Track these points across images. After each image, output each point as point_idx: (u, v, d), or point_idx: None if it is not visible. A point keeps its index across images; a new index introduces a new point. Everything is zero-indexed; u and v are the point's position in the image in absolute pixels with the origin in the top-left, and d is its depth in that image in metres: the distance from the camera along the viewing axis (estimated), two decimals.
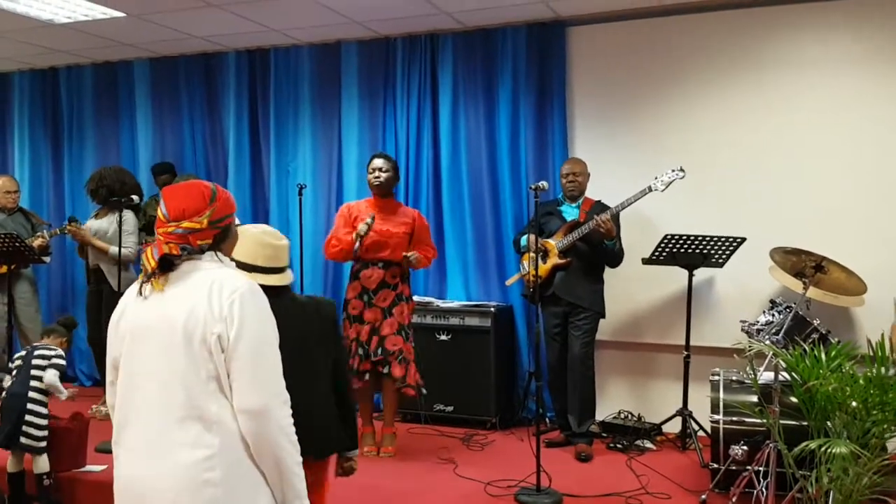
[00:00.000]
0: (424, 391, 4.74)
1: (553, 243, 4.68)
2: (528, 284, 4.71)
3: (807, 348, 2.96)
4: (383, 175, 4.59)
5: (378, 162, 4.63)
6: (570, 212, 4.79)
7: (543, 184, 4.04)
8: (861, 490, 2.68)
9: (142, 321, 1.96)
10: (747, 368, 3.83)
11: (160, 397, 1.90)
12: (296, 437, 1.95)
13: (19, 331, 5.76)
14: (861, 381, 2.63)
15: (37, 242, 5.44)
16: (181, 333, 1.89)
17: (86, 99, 6.67)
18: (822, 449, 2.59)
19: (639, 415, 5.11)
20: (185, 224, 1.98)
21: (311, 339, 2.57)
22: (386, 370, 4.51)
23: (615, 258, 4.68)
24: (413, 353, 4.63)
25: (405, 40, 5.67)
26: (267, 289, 2.12)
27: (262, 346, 1.94)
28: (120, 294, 2.71)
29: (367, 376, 4.56)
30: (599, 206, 4.72)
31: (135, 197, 5.12)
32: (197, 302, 1.91)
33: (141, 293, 1.99)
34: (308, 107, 5.98)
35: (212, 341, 1.88)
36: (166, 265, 1.96)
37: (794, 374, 2.85)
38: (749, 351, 3.11)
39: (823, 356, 2.85)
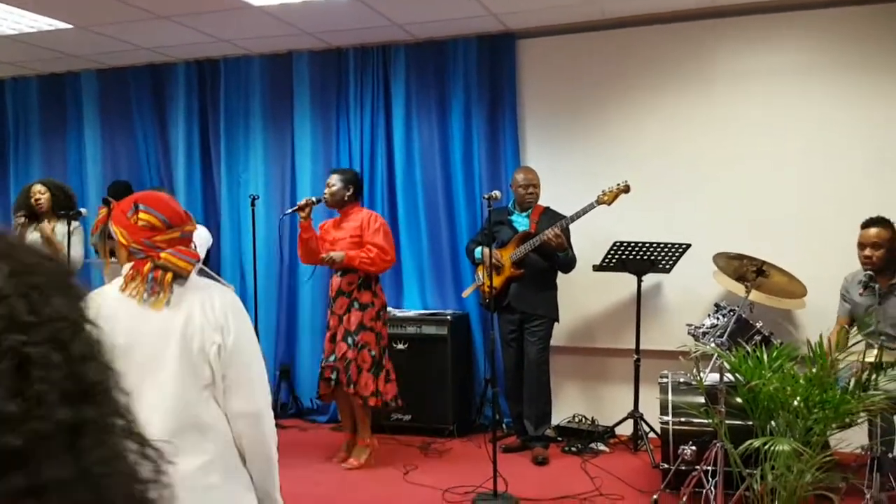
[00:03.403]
0: (391, 403, 4.70)
1: (507, 255, 4.75)
2: (484, 295, 4.78)
3: (749, 350, 3.07)
4: (328, 190, 4.71)
5: (329, 178, 4.78)
6: (521, 221, 4.87)
7: (496, 193, 4.12)
8: (804, 486, 2.79)
9: (129, 335, 1.94)
10: (693, 370, 3.96)
11: (155, 408, 1.91)
12: None
13: None
14: (802, 381, 2.75)
15: None
16: (178, 344, 1.93)
17: (31, 111, 6.55)
18: (766, 447, 2.70)
19: (592, 418, 5.22)
20: (187, 227, 2.06)
21: None
22: (334, 376, 4.55)
23: (568, 265, 4.78)
24: (370, 363, 4.55)
25: (357, 51, 5.71)
26: None
27: (256, 354, 2.05)
28: None
29: (332, 383, 4.60)
30: (549, 214, 4.81)
31: (83, 209, 5.03)
32: (191, 313, 1.96)
33: (122, 306, 1.96)
34: (259, 117, 5.97)
35: (212, 351, 1.94)
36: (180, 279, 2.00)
37: (737, 374, 2.96)
38: (694, 353, 3.22)
39: (766, 357, 2.96)
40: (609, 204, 4.59)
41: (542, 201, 4.91)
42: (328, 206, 4.77)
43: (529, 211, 4.86)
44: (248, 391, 1.99)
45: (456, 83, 5.50)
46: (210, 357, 1.95)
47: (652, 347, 4.95)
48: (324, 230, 4.79)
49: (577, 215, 4.60)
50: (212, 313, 1.97)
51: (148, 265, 1.96)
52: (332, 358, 4.58)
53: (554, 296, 4.86)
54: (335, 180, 4.72)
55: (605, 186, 4.64)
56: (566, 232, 4.69)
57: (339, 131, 5.79)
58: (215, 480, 1.95)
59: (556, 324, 4.89)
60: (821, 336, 2.79)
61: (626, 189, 4.59)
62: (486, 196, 4.08)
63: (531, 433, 4.76)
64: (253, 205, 4.50)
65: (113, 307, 1.97)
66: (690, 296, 5.00)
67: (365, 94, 5.69)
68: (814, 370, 2.72)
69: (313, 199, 4.65)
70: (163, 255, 1.97)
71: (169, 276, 1.97)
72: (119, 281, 2.01)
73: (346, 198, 4.70)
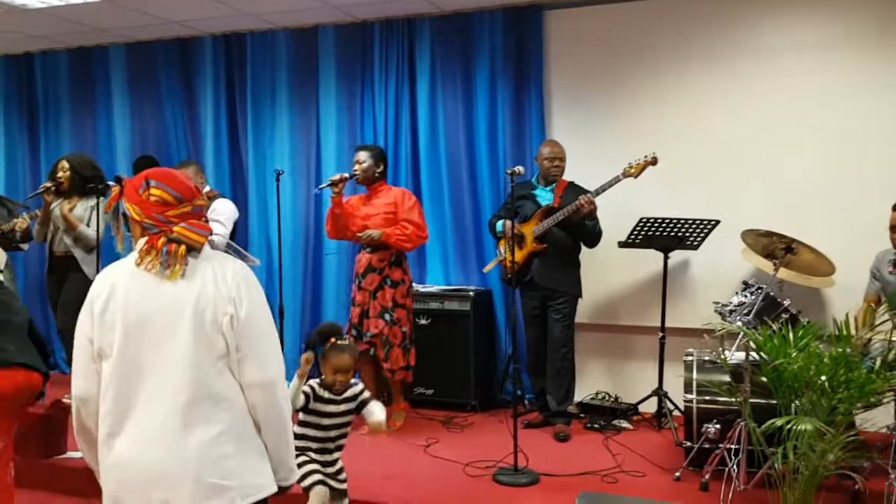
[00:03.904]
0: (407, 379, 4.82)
1: (529, 229, 4.71)
2: (505, 270, 4.76)
3: (774, 328, 3.02)
4: (359, 167, 4.74)
5: (357, 155, 4.81)
6: (545, 196, 4.80)
7: (520, 168, 4.08)
8: (827, 466, 2.75)
9: (143, 308, 1.98)
10: (718, 348, 3.91)
11: (169, 380, 1.96)
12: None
13: None
14: (826, 360, 2.69)
15: (18, 224, 5.39)
16: (190, 316, 1.96)
17: (61, 85, 6.61)
18: (788, 426, 2.66)
19: (615, 395, 5.19)
20: (198, 202, 2.09)
21: None
22: (372, 352, 4.66)
23: (595, 238, 4.71)
24: (402, 338, 4.72)
25: (382, 25, 5.66)
26: None
27: (269, 324, 2.08)
28: None
29: (363, 357, 4.66)
30: (573, 189, 4.73)
31: (111, 183, 5.07)
32: (203, 285, 1.98)
33: (135, 280, 1.99)
34: (285, 92, 5.97)
35: (224, 322, 1.97)
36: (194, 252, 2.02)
37: (762, 353, 2.92)
38: (718, 331, 3.17)
39: (791, 335, 2.91)
40: (636, 177, 4.50)
41: (567, 176, 4.85)
42: (359, 182, 4.79)
43: (554, 185, 4.79)
44: (261, 361, 2.02)
45: (481, 56, 5.44)
46: (223, 328, 1.97)
47: (678, 325, 4.89)
48: (351, 206, 4.79)
49: (603, 188, 4.52)
50: (224, 285, 1.99)
51: (162, 239, 1.99)
52: (368, 334, 4.66)
53: (576, 273, 4.80)
54: (365, 157, 4.74)
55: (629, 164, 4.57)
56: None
57: (364, 105, 5.77)
58: (229, 450, 1.98)
59: (579, 300, 4.84)
60: (846, 315, 2.73)
61: (654, 161, 4.48)
62: (509, 171, 4.04)
63: (553, 408, 4.75)
64: (278, 180, 4.53)
65: (128, 281, 2.00)
66: (718, 273, 4.92)
67: (390, 67, 5.66)
68: (839, 349, 2.67)
69: (346, 174, 4.66)
70: (176, 228, 2.00)
71: (182, 248, 1.99)
72: (134, 255, 2.03)
73: (376, 174, 4.75)
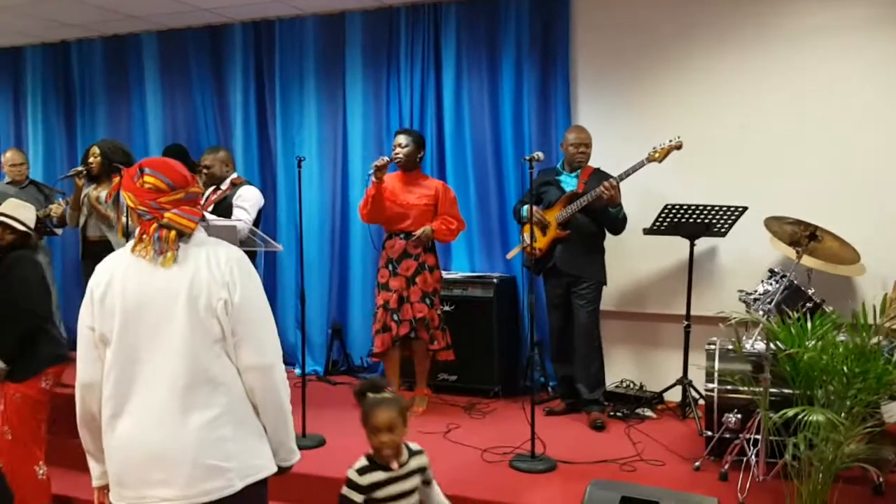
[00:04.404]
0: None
1: (553, 216, 4.67)
2: (528, 256, 4.73)
3: (792, 316, 2.96)
4: (402, 150, 4.72)
5: (398, 138, 4.79)
6: (569, 182, 4.75)
7: (539, 154, 4.05)
8: (842, 458, 2.69)
9: (139, 294, 2.01)
10: (742, 337, 3.84)
11: (166, 365, 1.99)
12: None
13: None
14: (841, 350, 2.63)
15: (54, 209, 5.52)
16: (185, 301, 1.99)
17: (96, 72, 6.74)
18: (799, 417, 2.60)
19: (641, 384, 5.15)
20: (192, 189, 2.10)
21: None
22: (414, 335, 4.71)
23: (619, 225, 4.65)
24: (438, 320, 4.79)
25: (409, 10, 5.66)
26: None
27: (263, 307, 2.09)
28: None
29: (397, 342, 4.74)
30: (598, 175, 4.67)
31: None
32: (196, 270, 2.01)
33: (132, 268, 2.04)
34: (313, 78, 6.00)
35: (218, 306, 1.99)
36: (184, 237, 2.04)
37: (778, 342, 2.86)
38: (732, 319, 3.12)
39: (808, 324, 2.85)
40: (660, 161, 4.42)
41: (593, 162, 4.79)
42: (399, 166, 4.76)
43: (579, 171, 4.74)
44: (257, 345, 2.04)
45: (507, 40, 5.39)
46: (217, 313, 1.99)
47: (704, 313, 4.81)
48: (389, 191, 4.74)
49: (627, 173, 4.45)
50: (217, 269, 2.01)
51: (154, 225, 2.02)
52: (412, 319, 4.68)
53: (600, 259, 4.75)
54: (406, 140, 4.73)
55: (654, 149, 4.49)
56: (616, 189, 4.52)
57: (390, 91, 5.77)
58: (227, 432, 2.01)
59: (604, 287, 4.79)
60: (863, 303, 2.66)
61: (679, 146, 4.38)
62: (527, 157, 4.01)
63: (586, 396, 4.70)
64: (299, 166, 4.55)
65: (125, 269, 2.04)
66: (746, 261, 4.83)
67: (415, 53, 5.65)
68: (855, 339, 2.60)
69: (387, 158, 4.63)
70: (167, 215, 2.02)
71: (173, 234, 2.01)
72: (131, 243, 2.07)
73: (417, 159, 4.76)
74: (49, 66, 6.91)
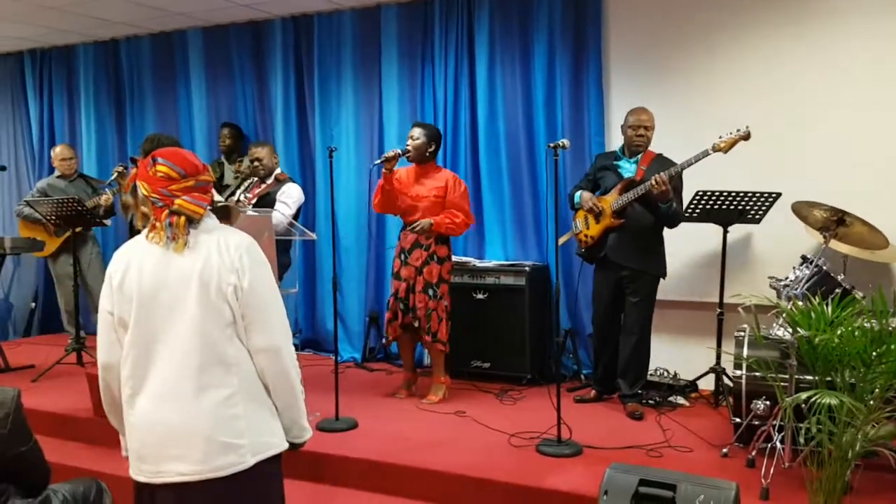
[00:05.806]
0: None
1: (608, 203, 4.53)
2: (580, 244, 4.71)
3: (815, 302, 2.94)
4: (412, 143, 4.77)
5: (413, 131, 4.83)
6: (628, 168, 4.54)
7: (565, 142, 4.04)
8: (861, 443, 2.67)
9: (154, 280, 2.12)
10: (774, 324, 3.81)
11: (181, 347, 2.10)
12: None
13: (87, 291, 6.13)
14: (857, 334, 2.60)
15: (103, 199, 5.74)
16: (197, 286, 2.09)
17: (145, 68, 6.98)
18: (812, 400, 2.59)
19: (674, 372, 5.12)
20: (202, 177, 2.19)
21: None
22: (416, 324, 4.77)
23: (670, 219, 4.47)
24: (442, 311, 4.80)
25: (443, 1, 5.71)
26: None
27: (272, 292, 2.18)
28: None
29: (406, 330, 4.85)
30: (660, 161, 4.47)
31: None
32: (208, 256, 2.10)
33: (147, 254, 2.13)
34: (350, 71, 6.11)
35: (228, 291, 2.09)
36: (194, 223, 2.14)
37: (797, 328, 2.84)
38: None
39: (829, 310, 2.82)
40: (725, 152, 4.18)
41: None
42: (409, 159, 4.80)
43: (639, 157, 4.51)
44: (266, 328, 2.13)
45: (539, 27, 5.40)
46: (228, 297, 2.09)
47: (738, 301, 4.76)
48: (401, 183, 4.83)
49: (689, 163, 4.25)
50: (227, 255, 2.10)
51: (165, 212, 2.12)
52: (413, 308, 4.75)
53: (657, 250, 4.53)
54: (419, 133, 4.77)
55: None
56: (678, 178, 4.38)
57: (425, 82, 5.84)
58: (240, 411, 2.11)
59: (661, 280, 4.61)
60: (880, 287, 2.63)
61: (747, 136, 4.15)
62: (552, 144, 3.98)
63: (626, 391, 4.63)
64: (331, 157, 4.66)
65: (141, 256, 2.14)
66: (781, 247, 4.76)
67: (449, 43, 5.70)
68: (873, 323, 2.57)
69: (398, 150, 4.74)
70: (177, 201, 2.12)
71: (182, 220, 2.11)
72: (146, 231, 2.18)
73: (427, 153, 4.79)
74: (100, 64, 7.17)
